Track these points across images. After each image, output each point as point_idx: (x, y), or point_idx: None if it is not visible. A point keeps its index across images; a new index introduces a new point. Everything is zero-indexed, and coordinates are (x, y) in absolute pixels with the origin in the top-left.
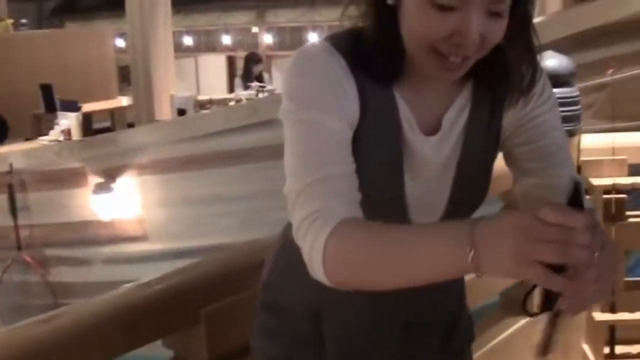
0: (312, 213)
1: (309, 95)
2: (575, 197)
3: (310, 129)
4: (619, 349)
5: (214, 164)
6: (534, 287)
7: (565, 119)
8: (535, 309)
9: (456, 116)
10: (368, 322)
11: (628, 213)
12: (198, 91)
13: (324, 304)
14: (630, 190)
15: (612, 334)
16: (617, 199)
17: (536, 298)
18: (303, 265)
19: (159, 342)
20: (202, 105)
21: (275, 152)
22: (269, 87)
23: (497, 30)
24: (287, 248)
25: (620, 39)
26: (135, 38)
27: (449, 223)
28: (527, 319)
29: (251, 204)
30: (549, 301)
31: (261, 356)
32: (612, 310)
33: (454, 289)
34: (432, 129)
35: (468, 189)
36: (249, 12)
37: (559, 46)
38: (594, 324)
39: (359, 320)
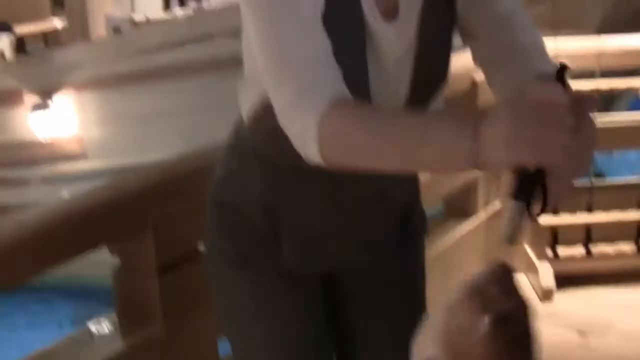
0: (297, 94)
1: None
2: (560, 76)
3: (283, 5)
4: (562, 251)
5: (152, 79)
6: (523, 177)
7: None
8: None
9: (410, 1)
10: (323, 212)
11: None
12: (133, 10)
13: (279, 198)
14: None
15: (555, 236)
16: None
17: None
18: (255, 161)
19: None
20: (138, 25)
21: (213, 66)
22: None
23: None
24: (238, 146)
25: None
26: None
27: (451, 113)
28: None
29: (190, 118)
30: (527, 190)
31: (216, 255)
32: (554, 212)
33: (409, 181)
34: (390, 14)
35: (429, 70)
36: None
37: None
38: (536, 226)
39: (314, 211)
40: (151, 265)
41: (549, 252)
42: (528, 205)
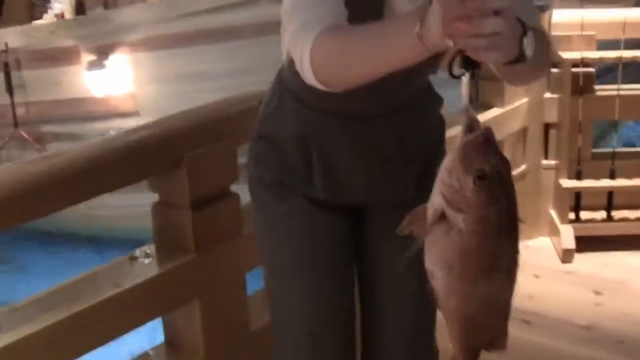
0: (300, 26)
1: None
2: None
3: None
4: (584, 215)
5: (201, 41)
6: (457, 53)
7: None
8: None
9: None
10: (348, 148)
11: (596, 87)
12: None
13: (310, 134)
14: (598, 64)
15: (578, 201)
16: (585, 72)
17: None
18: (292, 100)
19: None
20: None
21: (258, 29)
22: None
23: None
24: (279, 87)
25: None
26: None
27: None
28: None
29: (236, 79)
30: (468, 62)
31: (255, 181)
32: (578, 177)
33: (437, 118)
34: None
35: None
36: None
37: None
38: (561, 191)
39: (341, 147)
40: (186, 200)
41: (572, 216)
42: (472, 73)
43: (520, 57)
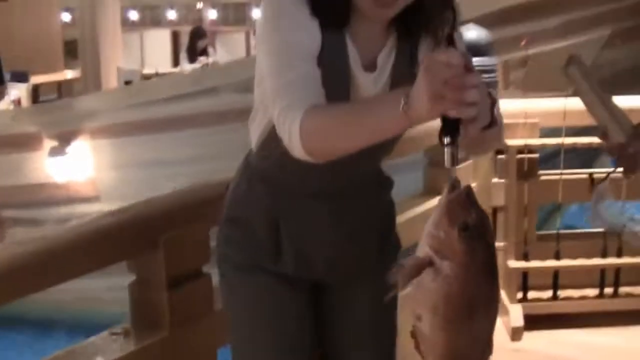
0: (287, 105)
1: (281, 17)
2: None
3: (282, 41)
4: (531, 294)
5: (162, 129)
6: (445, 122)
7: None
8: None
9: (386, 57)
10: (318, 226)
11: (540, 172)
12: (143, 65)
13: (281, 214)
14: (541, 150)
15: (525, 280)
16: (529, 158)
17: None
18: (262, 183)
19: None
20: (148, 78)
21: (218, 118)
22: (212, 60)
23: None
24: (248, 171)
25: (537, 17)
26: (84, 11)
27: (390, 92)
28: None
29: (197, 166)
30: (452, 129)
31: (225, 262)
32: (525, 258)
33: (389, 197)
34: (369, 67)
35: None
36: None
37: (480, 21)
38: (509, 271)
39: (312, 227)
40: (162, 280)
41: (520, 295)
42: (454, 140)
43: (491, 123)
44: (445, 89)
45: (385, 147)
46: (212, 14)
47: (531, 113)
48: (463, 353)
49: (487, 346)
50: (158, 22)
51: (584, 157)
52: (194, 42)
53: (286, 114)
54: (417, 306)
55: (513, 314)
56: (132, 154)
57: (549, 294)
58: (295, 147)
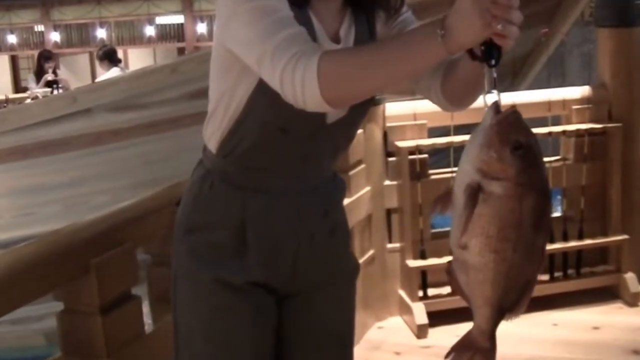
0: (293, 55)
1: None
2: None
3: (265, 7)
4: (431, 291)
5: (36, 153)
6: (484, 43)
7: None
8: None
9: (347, 31)
10: (285, 228)
11: (430, 171)
12: None
13: (248, 212)
14: (431, 150)
15: (424, 279)
16: (420, 159)
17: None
18: (226, 182)
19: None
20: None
21: (94, 139)
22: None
23: None
24: (208, 174)
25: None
26: None
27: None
28: None
29: (74, 190)
30: (492, 50)
31: (187, 278)
32: (423, 257)
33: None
34: (334, 40)
35: None
36: (34, 10)
37: None
38: (408, 270)
39: (277, 227)
40: (95, 306)
41: (420, 293)
42: (496, 61)
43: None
44: (495, 8)
45: (348, 137)
46: (54, 36)
47: (420, 114)
48: (514, 273)
49: (539, 262)
50: None
51: None
52: (41, 65)
53: (298, 60)
54: (462, 233)
55: (416, 312)
56: (5, 181)
57: (448, 289)
58: (310, 94)
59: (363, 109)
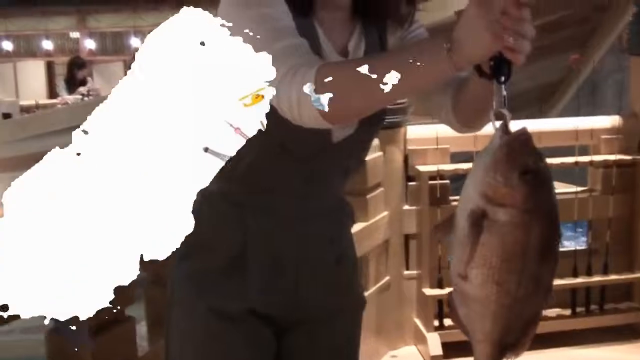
0: (290, 67)
1: (258, 3)
2: None
3: (264, 15)
4: (447, 321)
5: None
6: (493, 58)
7: (392, 112)
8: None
9: (356, 44)
10: (289, 254)
11: (451, 197)
12: (17, 96)
13: (249, 234)
14: (453, 176)
15: (441, 308)
16: (441, 184)
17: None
18: (225, 202)
19: None
20: (27, 109)
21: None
22: (94, 88)
23: None
24: (205, 197)
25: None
26: None
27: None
28: None
29: None
30: (502, 65)
31: (185, 307)
32: (440, 285)
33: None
34: (342, 54)
35: None
36: (70, 17)
37: None
38: (424, 299)
39: (279, 245)
40: (84, 327)
41: (436, 323)
42: (506, 78)
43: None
44: (505, 20)
45: (358, 158)
46: (89, 44)
47: (442, 139)
48: (518, 308)
49: (545, 297)
50: (33, 52)
51: None
52: (73, 72)
53: (296, 72)
54: (462, 264)
55: (431, 342)
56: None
57: None
58: (306, 109)
59: (372, 129)
